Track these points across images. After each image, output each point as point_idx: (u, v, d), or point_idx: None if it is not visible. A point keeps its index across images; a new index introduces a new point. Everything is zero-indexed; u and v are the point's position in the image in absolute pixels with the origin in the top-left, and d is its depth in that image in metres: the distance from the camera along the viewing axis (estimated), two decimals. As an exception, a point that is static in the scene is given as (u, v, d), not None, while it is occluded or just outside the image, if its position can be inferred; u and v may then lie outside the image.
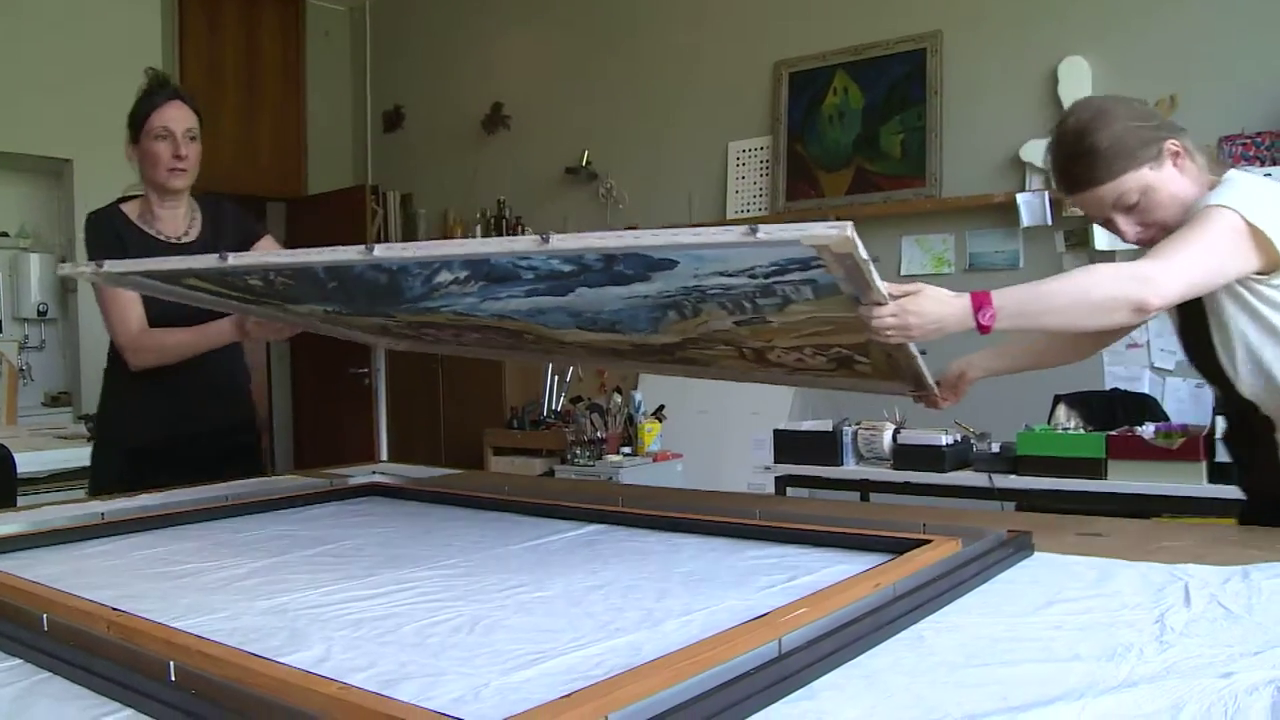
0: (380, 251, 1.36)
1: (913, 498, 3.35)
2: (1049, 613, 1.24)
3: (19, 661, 1.15)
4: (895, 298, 1.46)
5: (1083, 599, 1.29)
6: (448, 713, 0.86)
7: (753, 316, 1.53)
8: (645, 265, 1.32)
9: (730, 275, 1.34)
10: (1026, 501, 3.17)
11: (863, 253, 1.21)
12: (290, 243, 7.50)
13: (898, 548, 1.51)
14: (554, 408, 5.69)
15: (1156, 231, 1.72)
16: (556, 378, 5.74)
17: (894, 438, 3.47)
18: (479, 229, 6.60)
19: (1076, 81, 4.54)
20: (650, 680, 0.90)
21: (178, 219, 2.56)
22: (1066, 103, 4.52)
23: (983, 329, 1.51)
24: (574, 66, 6.35)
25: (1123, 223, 1.74)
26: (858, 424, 3.62)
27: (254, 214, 3.24)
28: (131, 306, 2.42)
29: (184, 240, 2.55)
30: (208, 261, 1.62)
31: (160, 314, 2.41)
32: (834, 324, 1.54)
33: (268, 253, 2.33)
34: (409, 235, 7.10)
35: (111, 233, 2.48)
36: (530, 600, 1.35)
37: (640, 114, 6.03)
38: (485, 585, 1.43)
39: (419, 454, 6.15)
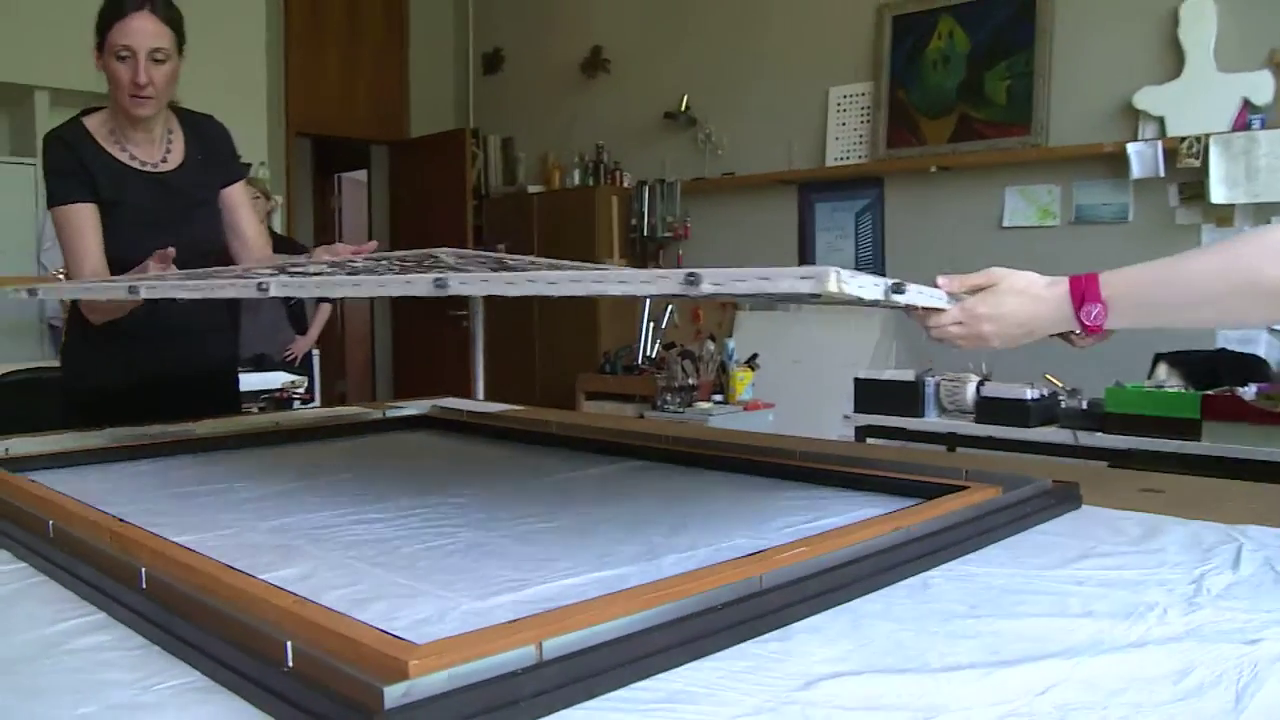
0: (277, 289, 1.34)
1: (995, 453, 3.23)
2: (1077, 567, 1.14)
3: (23, 565, 1.18)
4: (959, 297, 1.16)
5: (1118, 554, 1.19)
6: (402, 635, 0.83)
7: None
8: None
9: None
10: (1114, 462, 3.02)
11: (871, 295, 0.92)
12: (393, 185, 7.62)
13: (937, 493, 1.42)
14: (648, 354, 5.66)
15: None
16: (652, 324, 5.70)
17: (978, 390, 3.34)
18: (577, 173, 6.58)
19: (1200, 24, 4.27)
20: (606, 610, 0.85)
21: (153, 141, 2.22)
22: (1187, 46, 4.28)
23: (1089, 331, 1.15)
24: (674, 10, 6.25)
25: None
26: (941, 375, 3.50)
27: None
28: (86, 257, 2.12)
29: (162, 169, 2.22)
30: (117, 291, 1.67)
31: (117, 259, 2.11)
32: None
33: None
34: (509, 179, 7.13)
35: (74, 159, 2.13)
36: (536, 530, 1.32)
37: (740, 60, 5.92)
38: (496, 515, 1.40)
39: (513, 397, 6.19)
